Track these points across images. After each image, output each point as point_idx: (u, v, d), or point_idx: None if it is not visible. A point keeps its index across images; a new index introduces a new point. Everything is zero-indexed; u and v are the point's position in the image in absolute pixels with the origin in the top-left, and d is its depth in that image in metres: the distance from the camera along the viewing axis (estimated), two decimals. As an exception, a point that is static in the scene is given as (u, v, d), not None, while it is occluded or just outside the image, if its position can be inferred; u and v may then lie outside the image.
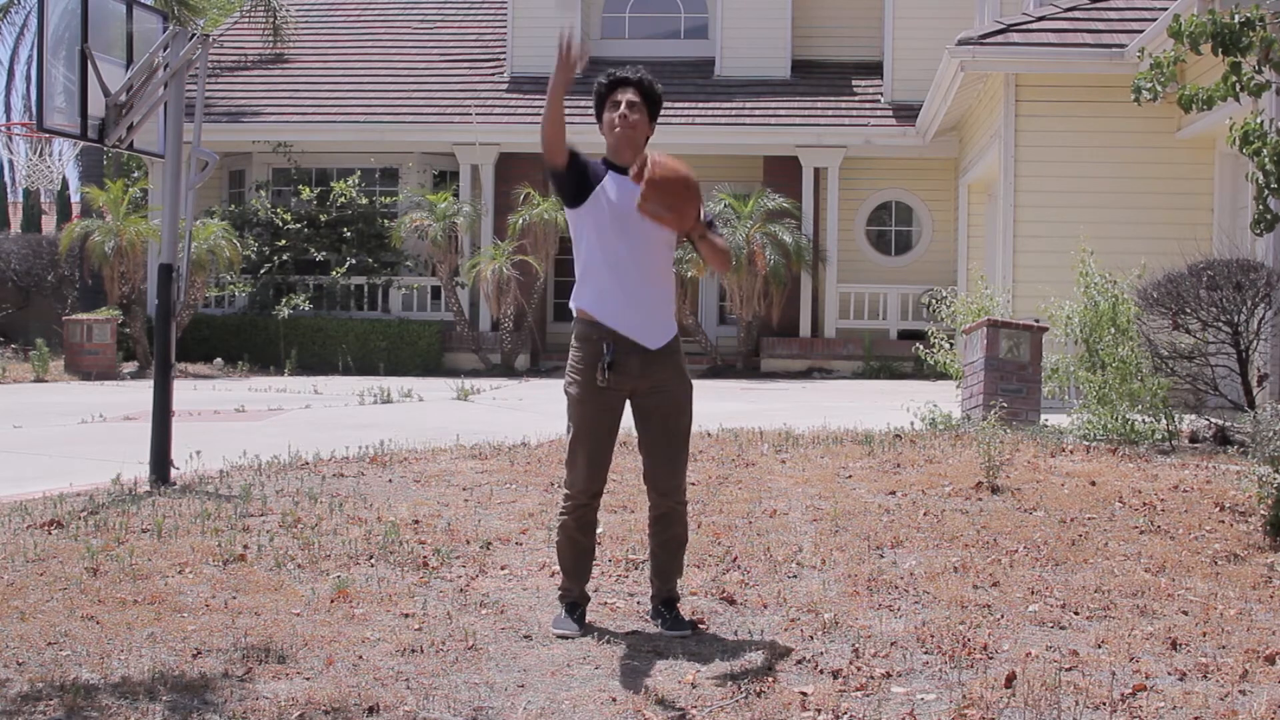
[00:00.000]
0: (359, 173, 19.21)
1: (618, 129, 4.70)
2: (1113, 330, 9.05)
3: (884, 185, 19.30)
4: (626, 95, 4.71)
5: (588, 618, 4.86)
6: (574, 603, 4.84)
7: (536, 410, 11.92)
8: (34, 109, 9.63)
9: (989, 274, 13.56)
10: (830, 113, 19.00)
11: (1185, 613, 4.91)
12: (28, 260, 19.64)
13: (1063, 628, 4.74)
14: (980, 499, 6.71)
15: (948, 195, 18.86)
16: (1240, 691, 4.03)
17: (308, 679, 4.13)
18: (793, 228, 17.75)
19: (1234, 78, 6.70)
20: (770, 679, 4.14)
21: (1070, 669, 4.24)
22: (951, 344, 11.11)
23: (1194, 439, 8.74)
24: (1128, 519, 6.29)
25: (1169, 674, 4.22)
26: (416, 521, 6.31)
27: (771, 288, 17.26)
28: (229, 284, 18.47)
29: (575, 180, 4.67)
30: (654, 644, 4.60)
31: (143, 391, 10.79)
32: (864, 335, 18.18)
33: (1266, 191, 6.81)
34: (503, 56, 20.72)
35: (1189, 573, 5.45)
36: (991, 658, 4.38)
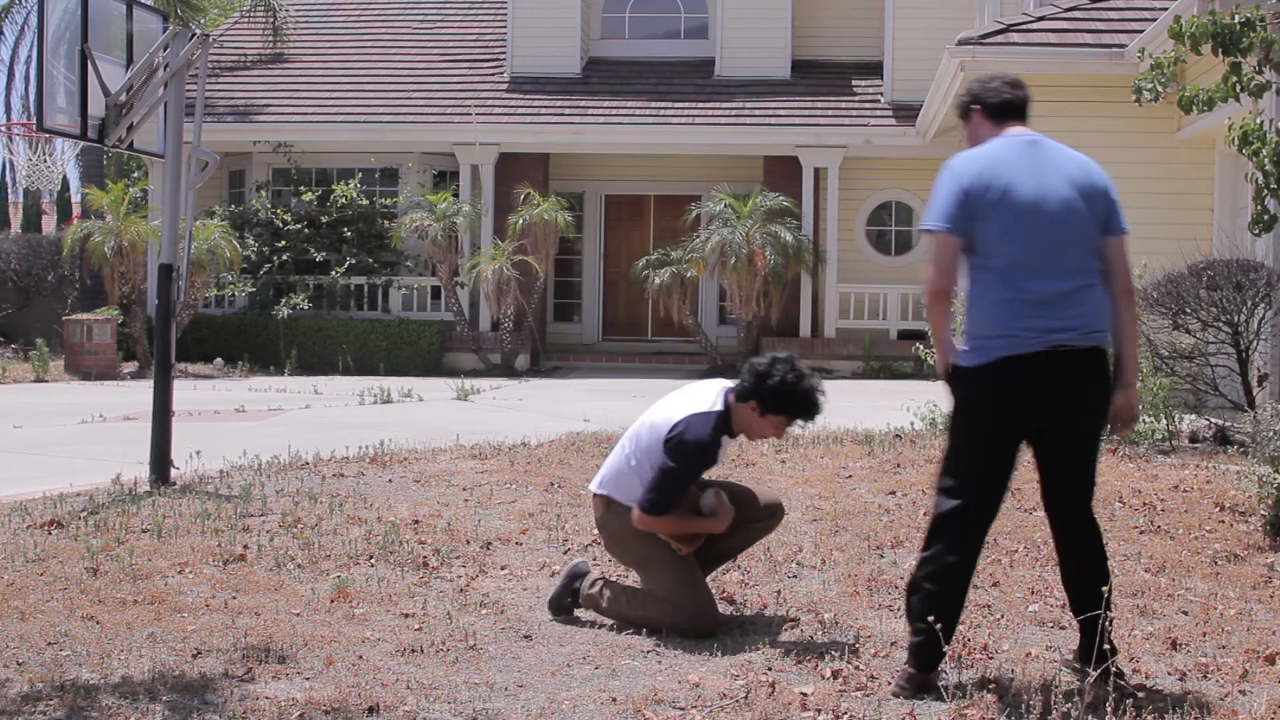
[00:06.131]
0: (360, 173, 19.21)
1: (765, 438, 4.87)
2: (1113, 330, 9.03)
3: (884, 185, 19.29)
4: (794, 427, 4.77)
5: (588, 616, 4.86)
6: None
7: (536, 410, 11.91)
8: (34, 109, 9.64)
9: (989, 274, 13.54)
10: (830, 113, 18.99)
11: (1185, 613, 4.92)
12: (28, 260, 19.63)
13: (1063, 628, 4.73)
14: (980, 499, 6.70)
15: (948, 195, 18.83)
16: (1240, 691, 4.04)
17: (308, 679, 4.13)
18: (792, 227, 17.74)
19: (1234, 78, 6.70)
20: (770, 679, 4.14)
21: (1070, 669, 4.24)
22: (951, 344, 11.09)
23: (1194, 439, 8.74)
24: (1128, 519, 6.29)
25: (1169, 674, 4.22)
26: (416, 521, 6.31)
27: (771, 288, 17.25)
28: (229, 284, 18.46)
29: None
30: (654, 644, 4.60)
31: (143, 391, 10.79)
32: (864, 335, 18.18)
33: (1266, 192, 6.80)
34: (503, 56, 20.70)
35: (1189, 573, 5.45)
36: (991, 658, 4.38)
